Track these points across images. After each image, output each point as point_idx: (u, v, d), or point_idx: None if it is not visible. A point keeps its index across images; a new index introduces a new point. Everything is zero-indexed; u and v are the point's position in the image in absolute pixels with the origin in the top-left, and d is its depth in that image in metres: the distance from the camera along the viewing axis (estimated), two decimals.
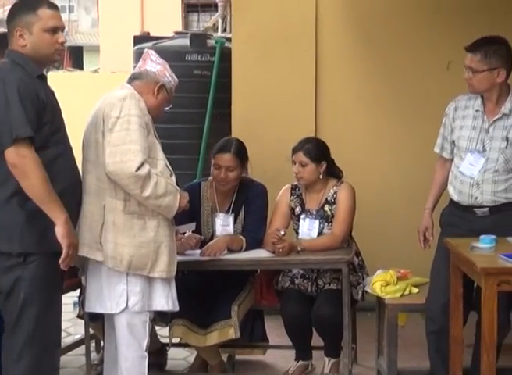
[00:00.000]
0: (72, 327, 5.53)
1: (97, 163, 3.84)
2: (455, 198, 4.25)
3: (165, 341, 4.83)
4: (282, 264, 4.68)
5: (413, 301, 4.53)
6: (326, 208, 4.81)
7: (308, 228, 4.81)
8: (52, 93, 3.67)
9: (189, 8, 19.59)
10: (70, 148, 3.69)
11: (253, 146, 5.64)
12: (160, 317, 4.56)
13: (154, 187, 3.78)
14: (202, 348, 4.66)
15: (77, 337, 5.26)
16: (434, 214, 4.44)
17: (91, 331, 4.74)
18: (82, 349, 4.80)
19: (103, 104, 3.89)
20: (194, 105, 7.73)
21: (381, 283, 4.58)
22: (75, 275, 4.28)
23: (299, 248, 4.62)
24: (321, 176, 4.80)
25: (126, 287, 3.87)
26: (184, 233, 4.65)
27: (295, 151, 4.81)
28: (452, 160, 4.32)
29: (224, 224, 4.78)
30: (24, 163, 3.38)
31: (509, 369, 4.29)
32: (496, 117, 4.14)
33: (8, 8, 3.75)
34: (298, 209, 4.88)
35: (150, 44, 7.67)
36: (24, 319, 3.49)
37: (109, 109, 3.83)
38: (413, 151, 5.99)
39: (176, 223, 4.11)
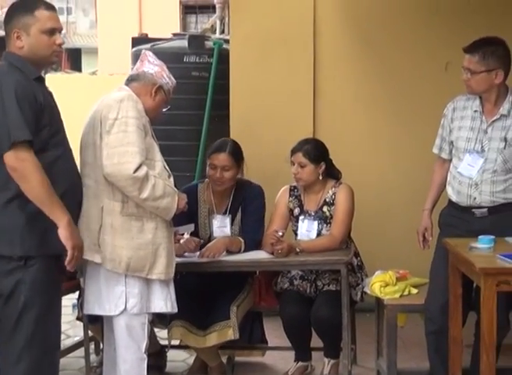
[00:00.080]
0: (71, 329, 5.53)
1: (94, 165, 3.84)
2: (453, 198, 4.25)
3: (165, 342, 4.83)
4: (281, 265, 4.68)
5: (412, 301, 4.53)
6: (325, 209, 4.81)
7: (307, 229, 4.81)
8: (51, 94, 3.65)
9: (187, 10, 19.57)
10: (70, 150, 3.68)
11: (251, 147, 5.64)
12: (159, 319, 4.56)
13: (152, 188, 3.78)
14: (201, 350, 4.66)
15: (76, 339, 5.26)
16: (433, 215, 4.44)
17: (90, 333, 4.74)
18: (81, 351, 4.80)
19: (100, 106, 3.89)
20: (192, 106, 7.73)
21: (380, 284, 4.58)
22: (74, 277, 4.28)
23: (298, 249, 4.62)
24: (320, 177, 4.80)
25: (125, 289, 3.87)
26: (183, 234, 4.65)
27: (294, 152, 4.81)
28: (450, 161, 4.32)
29: (221, 226, 4.78)
30: (23, 167, 3.36)
31: (508, 369, 4.29)
32: (495, 118, 4.14)
33: (6, 9, 3.72)
34: (297, 210, 4.88)
35: (148, 45, 7.67)
36: (24, 322, 3.47)
37: (107, 111, 3.82)
38: (411, 151, 5.99)
39: (175, 224, 4.11)
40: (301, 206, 4.88)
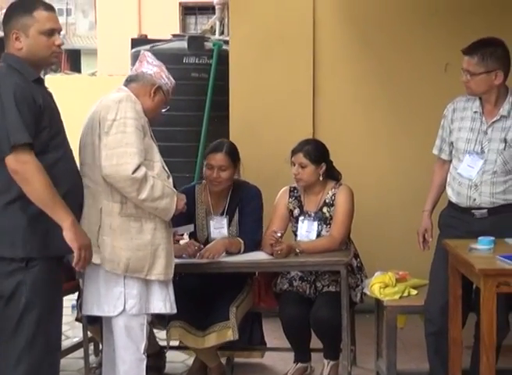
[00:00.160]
0: (70, 330, 5.53)
1: (93, 166, 3.84)
2: (453, 199, 4.24)
3: (164, 343, 4.83)
4: (281, 266, 4.67)
5: (412, 302, 4.53)
6: (325, 210, 4.81)
7: (307, 230, 4.80)
8: (50, 95, 3.63)
9: (186, 11, 19.57)
10: (70, 151, 3.66)
11: (251, 148, 5.66)
12: (158, 320, 4.56)
13: (150, 189, 3.78)
14: (200, 351, 4.66)
15: (76, 340, 5.25)
16: (433, 215, 4.44)
17: (90, 334, 4.74)
18: (80, 352, 4.80)
19: (99, 107, 3.89)
20: (192, 107, 7.74)
21: (379, 285, 4.58)
22: (73, 278, 4.28)
23: (297, 250, 4.61)
24: (320, 178, 4.79)
25: (124, 289, 3.87)
26: (182, 235, 4.65)
27: (294, 152, 4.81)
28: (450, 162, 4.31)
29: (218, 227, 4.78)
30: (25, 169, 3.35)
31: (508, 370, 4.29)
32: (495, 119, 4.13)
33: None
34: (297, 211, 4.88)
35: (147, 46, 7.67)
36: (25, 324, 3.46)
37: (105, 112, 3.82)
38: (410, 152, 5.99)
39: (174, 225, 4.10)
40: (301, 207, 4.88)
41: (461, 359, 4.14)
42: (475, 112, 4.18)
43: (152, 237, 3.88)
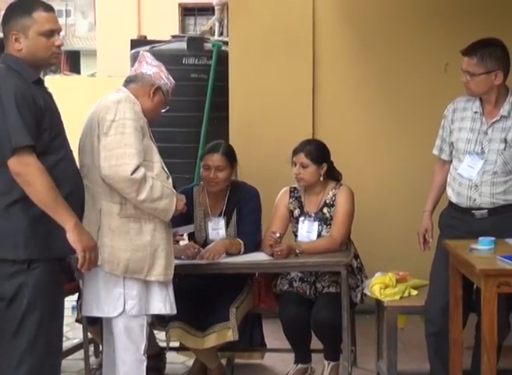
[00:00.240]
0: (70, 332, 5.52)
1: (92, 167, 3.83)
2: (453, 199, 4.24)
3: (164, 344, 4.82)
4: (281, 267, 4.67)
5: (412, 303, 4.53)
6: (325, 210, 4.80)
7: (307, 230, 4.80)
8: (50, 96, 3.61)
9: (186, 12, 19.59)
10: (71, 152, 3.65)
11: (250, 148, 5.66)
12: (158, 321, 4.55)
13: (149, 190, 3.77)
14: (200, 351, 4.65)
15: (76, 341, 5.24)
16: (433, 216, 4.44)
17: (90, 335, 4.73)
18: (81, 353, 4.79)
19: (98, 107, 3.88)
20: (191, 108, 7.75)
21: (380, 286, 4.57)
22: (73, 279, 4.27)
23: (297, 251, 4.61)
24: (321, 179, 4.79)
25: (123, 290, 3.87)
26: (182, 235, 4.65)
27: (296, 152, 4.81)
28: (451, 162, 4.31)
29: (216, 228, 4.78)
30: (27, 171, 3.34)
31: (509, 370, 4.28)
32: (495, 119, 4.13)
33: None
34: (297, 212, 4.87)
35: (147, 47, 7.70)
36: (27, 325, 3.45)
37: (104, 113, 3.82)
38: (410, 152, 5.99)
39: (173, 226, 4.10)
40: (301, 207, 4.87)
41: (462, 360, 4.14)
42: (475, 112, 4.18)
43: (152, 238, 3.88)
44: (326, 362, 4.76)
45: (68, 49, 25.59)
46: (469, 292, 4.15)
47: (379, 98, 6.07)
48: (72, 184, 3.60)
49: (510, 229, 4.05)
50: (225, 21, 9.88)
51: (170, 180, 3.97)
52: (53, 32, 3.54)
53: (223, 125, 6.29)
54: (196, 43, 8.04)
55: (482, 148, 4.13)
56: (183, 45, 7.96)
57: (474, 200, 4.13)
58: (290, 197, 4.91)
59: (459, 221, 4.21)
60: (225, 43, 7.34)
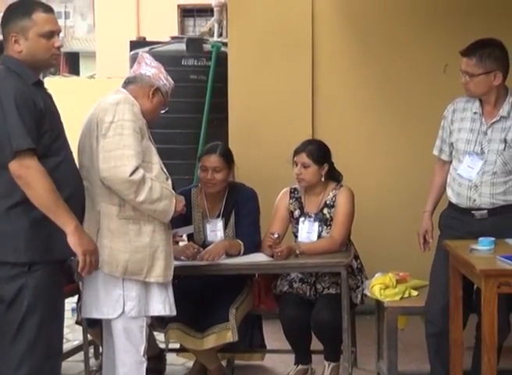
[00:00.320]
0: (70, 333, 5.51)
1: (91, 168, 3.83)
2: (453, 200, 4.24)
3: (165, 346, 4.81)
4: (281, 268, 4.67)
5: (412, 304, 4.52)
6: (325, 211, 4.80)
7: (308, 231, 4.79)
8: (50, 97, 3.60)
9: (185, 13, 19.60)
10: (71, 154, 3.64)
11: (250, 149, 5.66)
12: (158, 322, 4.55)
13: (148, 191, 3.77)
14: (200, 352, 4.65)
15: (76, 343, 5.24)
16: (433, 216, 4.43)
17: (90, 337, 4.73)
18: (80, 355, 4.79)
19: (97, 109, 3.88)
20: (191, 110, 7.75)
21: (380, 287, 4.57)
22: (73, 281, 4.27)
23: (297, 252, 4.61)
24: (322, 179, 4.79)
25: (123, 292, 3.86)
26: (181, 236, 4.65)
27: (297, 152, 4.80)
28: (450, 162, 4.30)
29: (214, 230, 4.78)
30: (28, 174, 3.33)
31: (509, 371, 4.28)
32: (494, 119, 4.12)
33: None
34: (297, 212, 4.87)
35: (146, 49, 7.70)
36: (27, 328, 3.44)
37: (103, 114, 3.81)
38: (410, 153, 5.99)
39: (172, 227, 4.10)
40: (302, 208, 4.87)
41: (462, 360, 4.13)
42: (475, 112, 4.17)
43: (151, 240, 3.87)
44: (326, 363, 4.75)
45: (67, 51, 25.62)
46: (469, 293, 4.14)
47: (379, 99, 6.07)
48: (73, 186, 3.60)
49: (510, 229, 4.05)
50: (225, 22, 9.88)
51: (169, 181, 3.96)
52: (53, 33, 3.53)
53: (223, 126, 6.29)
54: (195, 44, 8.04)
55: (482, 148, 4.13)
56: (182, 46, 7.96)
57: (474, 200, 4.13)
58: (290, 198, 4.91)
59: (459, 221, 4.21)
60: (225, 44, 7.35)
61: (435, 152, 4.40)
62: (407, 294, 4.58)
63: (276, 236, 4.59)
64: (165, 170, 3.96)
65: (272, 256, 4.56)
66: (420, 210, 4.47)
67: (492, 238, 3.86)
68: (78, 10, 32.51)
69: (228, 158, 4.77)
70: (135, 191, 3.74)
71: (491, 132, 4.12)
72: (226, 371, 4.89)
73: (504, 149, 4.08)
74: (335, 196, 4.80)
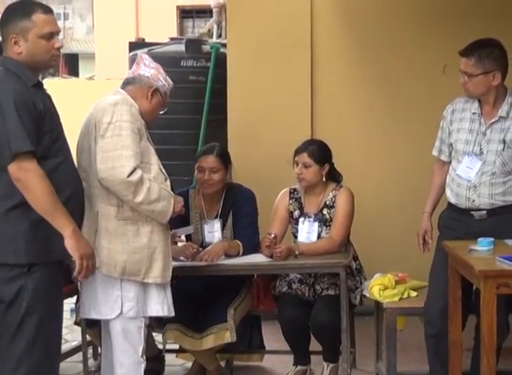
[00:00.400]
0: (69, 334, 5.50)
1: (89, 169, 3.82)
2: (452, 200, 4.24)
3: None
4: (280, 268, 4.66)
5: (411, 304, 4.52)
6: (325, 211, 4.80)
7: (307, 231, 4.79)
8: (49, 98, 3.60)
9: (184, 14, 19.61)
10: (71, 155, 3.64)
11: (249, 150, 5.66)
12: (156, 323, 4.55)
13: (146, 192, 3.76)
14: (199, 353, 4.65)
15: (74, 343, 5.24)
16: (433, 217, 4.43)
17: (88, 338, 4.72)
18: (79, 356, 4.80)
19: (95, 109, 3.87)
20: (190, 111, 7.74)
21: (379, 287, 4.57)
22: (72, 281, 4.26)
23: (297, 252, 4.61)
24: (323, 179, 4.79)
25: (121, 292, 3.86)
26: (180, 237, 4.65)
27: (298, 152, 4.80)
28: (450, 163, 4.30)
29: (211, 230, 4.78)
30: (27, 177, 3.33)
31: (508, 372, 4.29)
32: (493, 120, 4.12)
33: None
34: (297, 213, 4.87)
35: (145, 50, 7.68)
36: (25, 328, 3.44)
37: (101, 115, 3.81)
38: (409, 153, 5.99)
39: (170, 228, 4.09)
40: (301, 208, 4.87)
41: (461, 361, 4.13)
42: (474, 113, 4.17)
43: (149, 240, 3.87)
44: (325, 364, 4.75)
45: (66, 52, 25.60)
46: (468, 293, 4.14)
47: (378, 99, 6.07)
48: (72, 187, 3.60)
49: (509, 230, 4.05)
50: (224, 23, 9.88)
51: (168, 182, 3.96)
52: (52, 34, 3.52)
53: (222, 127, 6.29)
54: (194, 45, 8.03)
55: (481, 148, 4.12)
56: (182, 48, 7.95)
57: (473, 201, 4.13)
58: (290, 198, 4.90)
59: (458, 222, 4.21)
60: (224, 45, 7.34)
61: (435, 153, 4.40)
62: (406, 295, 4.58)
63: (273, 236, 4.59)
64: (163, 171, 3.96)
65: (271, 257, 4.56)
66: (419, 211, 4.47)
67: (491, 239, 3.85)
68: (77, 11, 32.51)
69: (225, 158, 4.77)
70: (133, 192, 3.74)
71: (490, 132, 4.12)
72: (225, 372, 4.89)
73: (503, 150, 4.08)
74: (334, 197, 4.79)
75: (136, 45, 8.71)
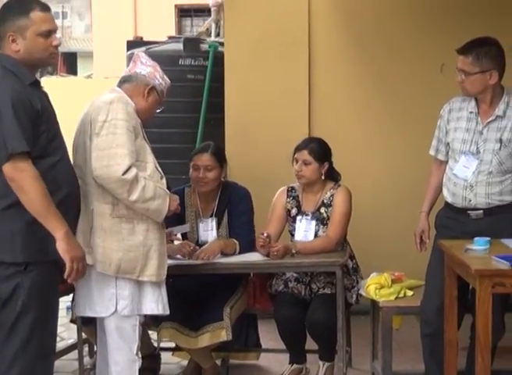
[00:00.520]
0: (65, 332, 5.51)
1: (84, 167, 3.82)
2: (449, 200, 4.23)
3: (160, 345, 4.80)
4: (276, 267, 4.66)
5: (407, 303, 4.52)
6: (322, 210, 4.80)
7: (305, 229, 4.79)
8: (46, 96, 3.59)
9: (182, 13, 19.60)
10: (67, 153, 3.64)
11: (246, 149, 5.66)
12: (152, 321, 4.54)
13: (141, 190, 3.76)
14: (194, 351, 4.64)
15: (70, 341, 5.24)
16: (430, 216, 4.43)
17: (84, 336, 4.72)
18: (75, 354, 4.79)
19: (91, 108, 3.87)
20: (188, 109, 7.74)
21: (375, 286, 4.56)
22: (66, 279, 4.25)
23: (293, 251, 4.60)
24: (322, 177, 4.79)
25: (116, 290, 3.85)
26: (176, 235, 4.65)
27: (299, 149, 4.80)
28: (447, 162, 4.30)
29: (207, 229, 4.78)
30: (21, 177, 3.32)
31: (504, 371, 4.29)
32: (490, 119, 4.12)
33: None
34: (294, 211, 4.87)
35: (143, 48, 7.68)
36: (20, 327, 3.44)
37: (96, 113, 3.81)
38: (406, 152, 5.99)
39: (166, 226, 4.09)
40: (299, 207, 4.87)
41: (457, 361, 4.13)
42: (471, 112, 4.17)
43: (144, 239, 3.86)
44: (321, 363, 4.76)
45: (65, 51, 25.60)
46: (464, 293, 4.13)
47: (375, 98, 6.08)
48: (69, 186, 3.59)
49: (506, 229, 4.05)
50: (222, 22, 9.85)
51: (164, 181, 3.95)
52: (50, 32, 3.52)
53: (220, 126, 6.29)
54: (192, 44, 8.03)
55: (478, 148, 4.12)
56: (180, 46, 7.95)
57: (470, 200, 4.13)
58: (288, 196, 4.90)
59: (454, 221, 4.20)
60: (222, 44, 7.33)
61: (432, 152, 4.40)
62: (402, 294, 4.58)
63: (266, 235, 4.58)
64: (159, 169, 3.95)
65: (268, 255, 4.56)
66: (416, 209, 4.47)
67: (488, 238, 3.85)
68: (75, 10, 32.48)
69: (220, 157, 4.77)
70: (128, 190, 3.73)
71: (487, 131, 4.12)
72: (221, 370, 4.89)
73: (500, 149, 4.08)
74: (332, 195, 4.79)
75: (134, 44, 8.70)
